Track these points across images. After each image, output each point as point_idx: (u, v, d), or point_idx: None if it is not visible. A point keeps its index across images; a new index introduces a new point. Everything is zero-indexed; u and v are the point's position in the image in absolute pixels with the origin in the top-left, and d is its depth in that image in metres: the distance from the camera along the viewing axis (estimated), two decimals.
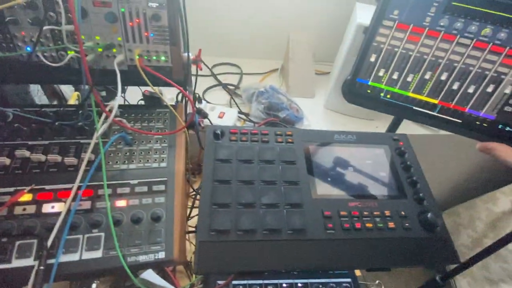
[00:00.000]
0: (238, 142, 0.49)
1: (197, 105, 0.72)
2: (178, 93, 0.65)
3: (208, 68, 1.05)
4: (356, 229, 0.43)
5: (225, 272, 0.39)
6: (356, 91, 0.37)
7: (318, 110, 1.03)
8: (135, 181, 0.42)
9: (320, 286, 0.58)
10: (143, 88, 0.55)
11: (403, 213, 0.46)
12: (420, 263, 0.43)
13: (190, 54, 0.48)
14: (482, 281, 1.10)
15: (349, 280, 0.60)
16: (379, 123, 1.00)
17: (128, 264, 0.37)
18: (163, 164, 0.45)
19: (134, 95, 0.64)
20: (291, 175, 0.47)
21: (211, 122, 0.74)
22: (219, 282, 0.57)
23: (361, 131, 0.56)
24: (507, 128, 0.35)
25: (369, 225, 0.44)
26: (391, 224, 0.44)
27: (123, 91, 0.66)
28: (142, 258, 0.38)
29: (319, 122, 0.96)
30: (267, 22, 1.10)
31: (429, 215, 0.45)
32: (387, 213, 0.45)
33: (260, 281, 0.58)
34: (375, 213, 0.45)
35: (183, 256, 0.40)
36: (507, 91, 0.34)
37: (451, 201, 1.36)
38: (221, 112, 0.80)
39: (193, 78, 0.56)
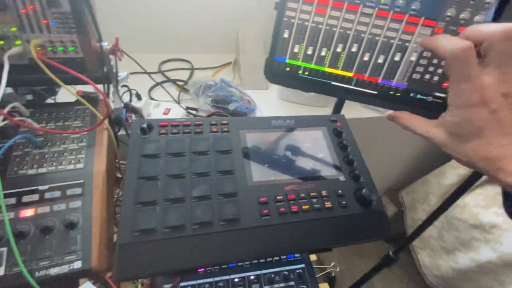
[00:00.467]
0: (168, 135, 0.46)
1: (137, 102, 0.68)
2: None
3: (159, 67, 1.00)
4: (293, 212, 0.42)
5: (151, 276, 0.36)
6: (275, 70, 0.36)
7: (272, 101, 1.03)
8: (45, 187, 0.38)
9: (273, 275, 0.57)
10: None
11: (340, 191, 0.46)
12: (358, 240, 0.43)
13: (105, 44, 0.44)
14: (439, 251, 1.16)
15: (302, 266, 0.60)
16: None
17: (36, 279, 0.33)
18: (80, 165, 0.40)
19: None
20: (225, 164, 0.45)
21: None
22: (166, 286, 0.54)
23: (299, 115, 0.56)
24: (418, 96, 0.35)
25: (305, 207, 0.43)
26: (328, 204, 0.44)
27: (53, 93, 0.60)
28: (54, 271, 0.34)
29: (272, 113, 0.96)
30: (216, 15, 1.07)
31: (363, 191, 0.45)
32: (324, 193, 0.45)
33: (210, 279, 0.55)
34: (312, 194, 0.44)
35: (104, 264, 0.36)
36: (413, 58, 0.34)
37: (410, 179, 1.43)
38: (166, 109, 0.76)
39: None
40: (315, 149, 0.51)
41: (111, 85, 0.50)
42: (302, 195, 0.44)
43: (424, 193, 1.25)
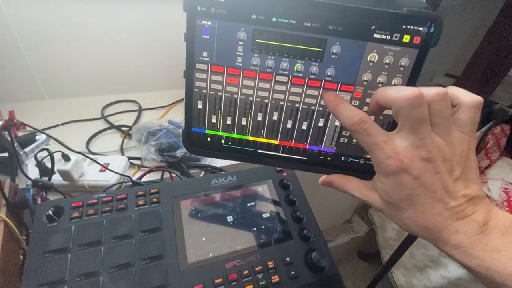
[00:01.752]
0: (82, 219, 0.39)
1: (64, 164, 0.59)
2: None
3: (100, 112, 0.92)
4: None
5: None
6: (196, 141, 0.31)
7: None
8: None
9: None
10: None
11: (288, 259, 0.41)
12: None
13: None
14: (412, 269, 1.16)
15: None
16: None
17: None
18: None
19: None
20: (152, 248, 0.38)
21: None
22: None
23: (242, 169, 0.51)
24: (349, 159, 0.33)
25: (249, 287, 0.37)
26: (275, 278, 0.39)
27: None
28: None
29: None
30: (162, 52, 1.02)
31: (313, 254, 0.41)
32: (270, 264, 0.40)
33: None
34: (257, 269, 0.39)
35: None
36: (337, 123, 0.31)
37: None
38: (103, 166, 0.68)
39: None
40: (261, 208, 0.46)
41: (13, 161, 0.42)
42: (245, 272, 0.39)
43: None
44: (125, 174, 0.66)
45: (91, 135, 0.84)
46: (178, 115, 1.02)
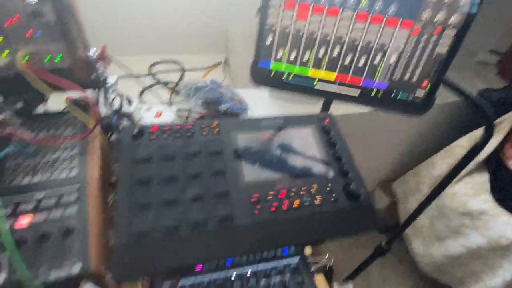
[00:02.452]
0: (159, 140, 0.47)
1: (128, 106, 0.68)
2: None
3: (148, 69, 1.00)
4: (283, 209, 0.44)
5: (148, 274, 0.37)
6: (261, 74, 0.37)
7: (264, 100, 1.04)
8: (41, 195, 0.39)
9: (269, 270, 0.59)
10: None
11: (329, 187, 0.47)
12: (346, 233, 0.45)
13: (92, 51, 0.44)
14: (431, 239, 1.20)
15: (297, 259, 0.62)
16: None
17: (37, 285, 0.34)
18: (73, 173, 0.41)
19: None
20: (217, 166, 0.46)
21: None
22: (166, 282, 0.55)
23: (288, 115, 0.57)
24: (399, 96, 0.37)
25: (296, 203, 0.45)
26: (318, 199, 0.46)
27: (42, 100, 0.60)
28: (54, 275, 0.35)
29: (264, 111, 0.97)
30: (204, 14, 1.07)
31: (351, 185, 0.47)
32: (313, 189, 0.47)
33: (208, 277, 0.57)
34: (302, 189, 0.46)
35: (102, 266, 0.37)
36: (393, 59, 0.35)
37: (402, 170, 1.46)
38: (157, 112, 0.77)
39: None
40: (304, 147, 0.52)
41: (100, 92, 0.50)
42: (292, 192, 0.46)
43: (415, 184, 1.28)
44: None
45: (142, 89, 0.93)
46: (217, 76, 1.08)
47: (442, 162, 1.15)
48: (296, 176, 0.48)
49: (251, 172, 0.47)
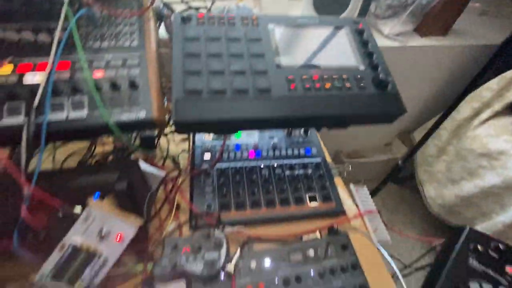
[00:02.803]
0: (205, 24, 0.52)
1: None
2: None
3: None
4: (316, 88, 0.48)
5: (202, 123, 0.44)
6: None
7: None
8: (109, 57, 0.45)
9: (294, 164, 0.66)
10: None
11: (359, 76, 0.51)
12: (373, 113, 0.49)
13: None
14: (446, 183, 1.24)
15: (319, 159, 0.68)
16: None
17: (113, 123, 0.41)
18: (134, 44, 0.47)
19: None
20: (257, 49, 0.50)
21: None
22: (205, 160, 0.63)
23: (324, 16, 0.59)
24: None
25: (327, 85, 0.49)
26: (348, 85, 0.50)
27: None
28: (125, 117, 0.42)
29: None
30: None
31: (381, 75, 0.50)
32: (344, 76, 0.51)
33: (240, 164, 0.65)
34: (334, 76, 0.50)
35: (163, 117, 0.44)
36: None
37: (423, 120, 1.45)
38: None
39: None
40: (338, 43, 0.56)
41: None
42: (325, 77, 0.50)
43: (436, 129, 1.28)
44: None
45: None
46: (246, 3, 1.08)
47: (467, 106, 1.14)
48: (327, 66, 0.52)
49: (287, 59, 0.51)
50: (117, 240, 0.42)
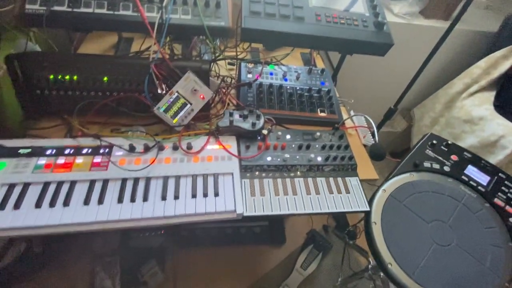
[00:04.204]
0: None
1: None
2: None
3: None
4: (334, 22, 0.73)
5: (257, 31, 0.69)
6: None
7: None
8: None
9: (311, 88, 0.90)
10: None
11: (364, 19, 0.75)
12: (371, 46, 0.73)
13: None
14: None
15: (329, 88, 0.92)
16: None
17: (206, 25, 0.67)
18: None
19: None
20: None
21: None
22: (248, 78, 0.89)
23: None
24: None
25: (342, 21, 0.73)
26: (356, 23, 0.74)
27: None
28: (212, 23, 0.68)
29: None
30: None
31: (379, 19, 0.74)
32: (354, 18, 0.75)
33: (273, 83, 0.89)
34: (347, 17, 0.74)
35: (234, 27, 0.70)
36: None
37: (426, 94, 1.66)
38: None
39: None
40: None
41: None
42: (341, 16, 0.74)
43: (431, 104, 1.49)
44: None
45: None
46: None
47: (460, 82, 1.35)
48: (344, 11, 0.76)
49: (317, 1, 0.75)
50: (201, 97, 0.67)
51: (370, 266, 0.97)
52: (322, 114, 0.85)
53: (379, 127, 1.19)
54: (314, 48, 1.00)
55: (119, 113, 0.72)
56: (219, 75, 0.92)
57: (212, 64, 0.91)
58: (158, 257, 1.21)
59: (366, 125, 0.89)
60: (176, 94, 0.65)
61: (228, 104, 0.84)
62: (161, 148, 0.65)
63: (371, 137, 0.87)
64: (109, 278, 1.15)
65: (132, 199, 0.57)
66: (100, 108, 0.68)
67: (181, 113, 0.67)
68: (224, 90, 0.85)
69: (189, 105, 0.67)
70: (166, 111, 0.65)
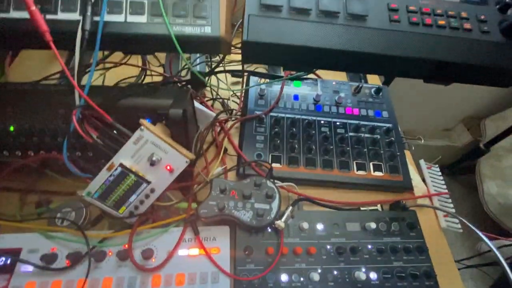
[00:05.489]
0: None
1: None
2: None
3: None
4: (426, 24, 0.37)
5: (272, 45, 0.36)
6: None
7: None
8: None
9: (360, 125, 0.56)
10: None
11: (482, 17, 0.39)
12: (495, 73, 0.38)
13: None
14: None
15: (390, 125, 0.58)
16: None
17: (174, 34, 0.35)
18: None
19: None
20: None
21: None
22: (258, 106, 0.57)
23: None
24: None
25: (441, 22, 0.37)
26: (467, 25, 0.38)
27: None
28: (188, 30, 0.35)
29: None
30: None
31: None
32: (463, 14, 0.38)
33: (298, 115, 0.57)
34: (450, 12, 0.38)
35: (229, 36, 0.37)
36: None
37: (498, 107, 1.24)
38: None
39: None
40: None
41: None
42: (438, 11, 0.38)
43: None
44: None
45: None
46: None
47: None
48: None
49: None
50: (167, 170, 0.38)
51: None
52: (377, 174, 0.52)
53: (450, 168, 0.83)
54: (383, 74, 0.63)
55: (47, 175, 0.45)
56: (216, 98, 0.60)
57: (208, 78, 0.59)
58: None
59: (446, 189, 0.56)
60: (119, 169, 0.36)
61: (225, 151, 0.53)
62: (98, 258, 0.38)
63: (455, 215, 0.54)
64: None
65: None
66: (19, 168, 0.41)
67: (132, 198, 0.38)
68: (218, 131, 0.54)
69: (144, 184, 0.37)
70: (103, 197, 0.37)
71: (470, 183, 1.37)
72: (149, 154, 0.36)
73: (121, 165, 0.36)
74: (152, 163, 0.37)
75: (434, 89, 1.19)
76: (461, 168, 1.42)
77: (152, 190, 0.38)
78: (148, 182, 0.37)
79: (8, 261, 0.37)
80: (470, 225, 0.44)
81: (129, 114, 0.38)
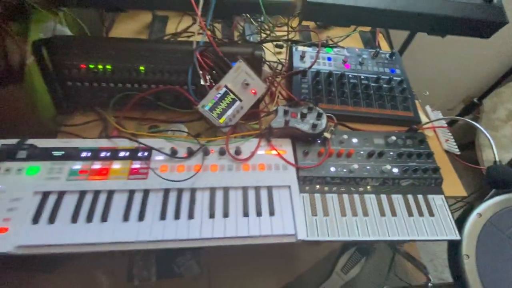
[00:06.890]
0: None
1: None
2: None
3: None
4: None
5: (331, 5, 0.53)
6: None
7: None
8: None
9: (380, 77, 0.73)
10: None
11: None
12: (476, 23, 0.55)
13: None
14: (509, 148, 1.22)
15: (403, 77, 0.75)
16: None
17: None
18: None
19: None
20: None
21: None
22: (301, 64, 0.74)
23: None
24: None
25: None
26: None
27: None
28: None
29: None
30: None
31: None
32: None
33: (332, 70, 0.74)
34: None
35: (298, 2, 0.55)
36: None
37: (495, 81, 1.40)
38: None
39: None
40: None
41: None
42: None
43: (509, 94, 1.24)
44: None
45: None
46: None
47: None
48: None
49: None
50: (252, 92, 0.55)
51: (430, 285, 0.85)
52: (394, 111, 0.69)
53: (450, 124, 1.00)
54: (394, 27, 0.79)
55: (157, 108, 0.63)
56: (265, 61, 0.79)
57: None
58: (193, 250, 1.17)
59: (447, 125, 0.73)
60: (225, 89, 0.54)
61: (278, 97, 0.71)
62: (206, 153, 0.55)
63: (453, 141, 0.71)
64: (144, 268, 1.14)
65: (177, 216, 0.49)
66: (137, 101, 0.59)
67: (229, 112, 0.56)
68: (273, 80, 0.72)
69: (238, 101, 0.55)
70: (211, 109, 0.55)
71: (471, 158, 1.52)
72: (243, 80, 0.54)
73: (225, 86, 0.54)
74: (244, 87, 0.54)
75: (437, 71, 1.35)
76: (463, 144, 1.57)
77: (242, 107, 0.56)
78: (241, 100, 0.55)
79: (146, 154, 0.55)
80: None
81: (227, 56, 0.56)
